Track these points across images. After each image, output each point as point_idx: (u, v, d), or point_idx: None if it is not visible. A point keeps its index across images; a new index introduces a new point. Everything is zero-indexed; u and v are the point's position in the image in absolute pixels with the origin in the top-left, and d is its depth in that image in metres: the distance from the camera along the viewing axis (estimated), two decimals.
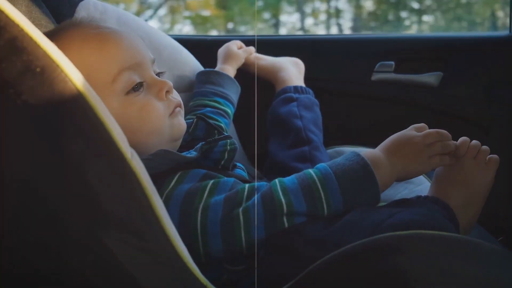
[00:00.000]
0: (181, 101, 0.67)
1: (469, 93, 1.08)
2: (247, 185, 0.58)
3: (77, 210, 0.37)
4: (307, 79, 1.07)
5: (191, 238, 0.54)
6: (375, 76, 1.14)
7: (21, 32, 0.34)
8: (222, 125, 0.86)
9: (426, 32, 3.72)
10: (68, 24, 0.65)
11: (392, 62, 1.13)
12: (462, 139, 0.64)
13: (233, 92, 0.96)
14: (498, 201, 0.79)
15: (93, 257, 0.39)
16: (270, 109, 1.00)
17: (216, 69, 0.99)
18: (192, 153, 0.63)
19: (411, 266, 0.43)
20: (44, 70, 0.35)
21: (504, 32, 1.12)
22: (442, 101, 1.10)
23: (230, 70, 1.00)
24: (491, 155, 0.64)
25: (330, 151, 0.98)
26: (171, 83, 0.65)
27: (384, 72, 1.13)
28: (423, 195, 0.63)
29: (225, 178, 0.61)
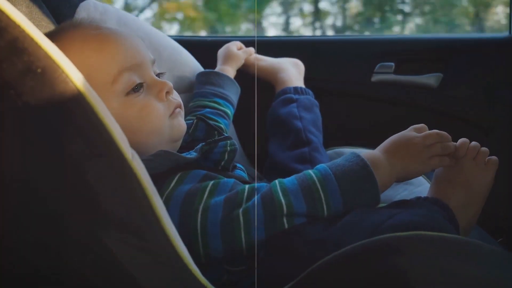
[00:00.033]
0: (181, 102, 0.67)
1: (469, 94, 1.08)
2: (247, 186, 0.58)
3: (77, 210, 0.37)
4: (307, 80, 1.07)
5: (191, 239, 0.54)
6: (375, 77, 1.14)
7: (22, 33, 0.34)
8: (222, 126, 0.86)
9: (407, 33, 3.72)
10: (69, 25, 0.65)
11: (392, 63, 1.13)
12: (462, 140, 0.64)
13: (233, 93, 0.96)
14: (497, 202, 0.79)
15: (93, 257, 0.39)
16: (270, 110, 1.00)
17: (216, 70, 0.99)
18: (192, 154, 0.63)
19: (411, 267, 0.43)
20: (45, 71, 0.35)
21: (504, 34, 1.13)
22: (442, 102, 1.10)
23: (230, 71, 1.00)
24: (490, 157, 0.64)
25: (330, 152, 0.98)
26: (171, 84, 0.65)
27: (384, 73, 1.13)
28: (422, 196, 0.63)
29: (225, 179, 0.61)
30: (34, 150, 0.36)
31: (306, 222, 0.56)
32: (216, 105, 0.90)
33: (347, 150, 0.97)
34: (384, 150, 0.62)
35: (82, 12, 0.85)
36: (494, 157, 0.64)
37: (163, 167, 0.59)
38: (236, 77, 1.00)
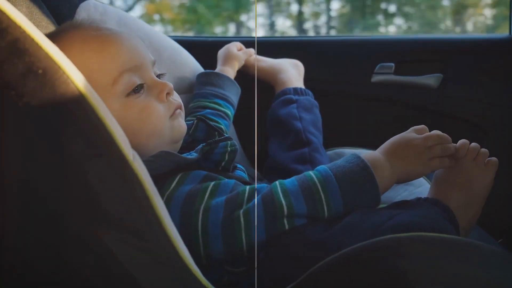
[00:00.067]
0: (181, 102, 0.67)
1: (469, 95, 1.08)
2: (247, 187, 0.58)
3: (77, 210, 0.37)
4: (306, 80, 1.07)
5: (192, 240, 0.54)
6: (375, 78, 1.14)
7: (23, 34, 0.34)
8: (222, 126, 0.86)
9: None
10: (69, 26, 0.65)
11: (392, 64, 1.13)
12: (462, 141, 0.64)
13: (233, 94, 0.96)
14: (497, 202, 0.79)
15: (93, 257, 0.39)
16: (270, 110, 1.00)
17: (216, 70, 0.99)
18: (192, 155, 0.63)
19: (411, 268, 0.43)
20: (46, 72, 0.35)
21: (503, 34, 1.13)
22: (442, 102, 1.10)
23: (230, 72, 1.00)
24: (490, 158, 0.64)
25: (330, 152, 0.98)
26: (171, 85, 0.65)
27: (384, 73, 1.13)
28: (423, 197, 0.63)
29: (226, 180, 0.61)
30: (35, 151, 0.36)
31: (306, 223, 0.56)
32: (216, 106, 0.90)
33: (347, 151, 0.97)
34: (384, 151, 0.62)
35: (82, 13, 0.85)
36: (494, 158, 0.64)
37: (163, 168, 0.59)
38: (236, 78, 1.00)
